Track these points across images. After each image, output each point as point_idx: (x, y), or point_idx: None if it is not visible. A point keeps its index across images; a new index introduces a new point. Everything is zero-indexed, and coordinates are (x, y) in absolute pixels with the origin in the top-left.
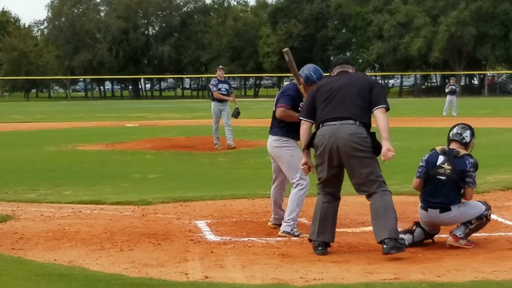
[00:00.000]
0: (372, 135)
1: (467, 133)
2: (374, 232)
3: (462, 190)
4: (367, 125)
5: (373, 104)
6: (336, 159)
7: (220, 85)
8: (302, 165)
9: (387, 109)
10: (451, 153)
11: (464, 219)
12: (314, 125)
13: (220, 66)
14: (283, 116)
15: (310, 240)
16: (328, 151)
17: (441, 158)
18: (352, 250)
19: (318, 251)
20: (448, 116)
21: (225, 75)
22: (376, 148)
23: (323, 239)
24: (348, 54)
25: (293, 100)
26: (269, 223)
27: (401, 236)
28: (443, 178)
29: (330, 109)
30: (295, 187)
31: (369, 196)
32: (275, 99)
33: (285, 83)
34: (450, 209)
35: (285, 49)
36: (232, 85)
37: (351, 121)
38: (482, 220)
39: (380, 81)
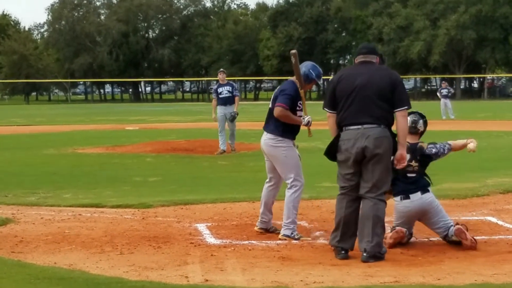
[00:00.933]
0: (394, 137)
1: (420, 123)
2: (359, 236)
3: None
4: (390, 125)
5: (396, 105)
6: (359, 162)
7: (220, 89)
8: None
9: (409, 108)
10: (416, 150)
11: (440, 212)
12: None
13: (221, 69)
14: (281, 116)
15: (331, 245)
16: (354, 156)
17: (407, 156)
18: (353, 253)
19: (341, 255)
20: (447, 120)
21: (227, 78)
22: (394, 150)
23: (344, 245)
24: (348, 57)
25: (292, 100)
26: (256, 228)
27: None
28: (414, 175)
29: (353, 112)
30: (289, 188)
31: (363, 198)
32: (272, 95)
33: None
34: (428, 191)
35: (293, 51)
36: (236, 88)
37: (375, 125)
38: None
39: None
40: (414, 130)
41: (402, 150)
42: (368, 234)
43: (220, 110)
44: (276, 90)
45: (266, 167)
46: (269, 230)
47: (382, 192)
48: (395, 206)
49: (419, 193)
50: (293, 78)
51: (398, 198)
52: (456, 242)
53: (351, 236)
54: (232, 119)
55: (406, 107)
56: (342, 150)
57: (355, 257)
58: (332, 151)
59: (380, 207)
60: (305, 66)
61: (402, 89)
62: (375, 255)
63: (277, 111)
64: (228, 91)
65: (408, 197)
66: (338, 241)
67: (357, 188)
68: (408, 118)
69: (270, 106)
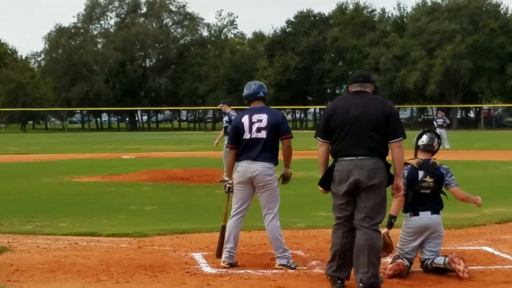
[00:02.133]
0: (388, 168)
1: (435, 142)
2: (354, 267)
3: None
4: (384, 155)
5: (391, 136)
6: (353, 192)
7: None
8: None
9: (404, 138)
10: (429, 166)
11: (440, 238)
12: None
13: (223, 101)
14: (290, 146)
15: (327, 275)
16: (347, 187)
17: (421, 173)
18: (348, 283)
19: (337, 284)
20: (442, 149)
21: (228, 108)
22: (389, 181)
23: (341, 275)
24: (345, 87)
25: None
26: (223, 263)
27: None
28: (428, 191)
29: (347, 144)
30: (272, 218)
31: (357, 228)
32: (264, 125)
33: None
34: (439, 213)
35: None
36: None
37: (369, 157)
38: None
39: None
40: (430, 148)
41: (398, 180)
42: (363, 264)
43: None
44: (261, 119)
45: (239, 198)
46: (233, 265)
47: (376, 222)
48: (403, 223)
49: (429, 212)
50: (260, 104)
51: (407, 214)
52: (435, 270)
53: (347, 265)
54: None
55: (401, 138)
56: (336, 181)
57: (351, 287)
58: (326, 181)
59: (375, 237)
60: (259, 87)
61: (396, 120)
62: (371, 285)
63: (290, 142)
64: (226, 121)
65: (417, 214)
66: (334, 270)
67: (352, 218)
68: (425, 136)
69: (263, 136)
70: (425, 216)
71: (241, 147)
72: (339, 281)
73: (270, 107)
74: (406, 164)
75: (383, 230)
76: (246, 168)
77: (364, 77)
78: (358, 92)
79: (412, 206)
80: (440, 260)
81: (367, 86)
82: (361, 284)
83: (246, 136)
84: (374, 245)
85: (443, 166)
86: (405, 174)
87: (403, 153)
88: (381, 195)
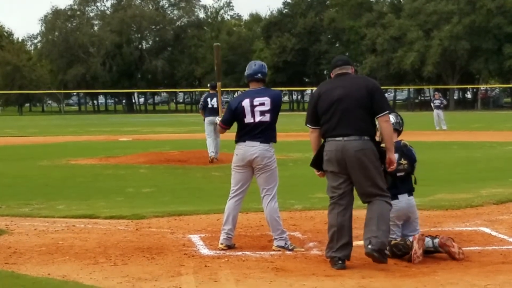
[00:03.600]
0: (378, 145)
1: (400, 121)
2: (364, 234)
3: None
4: (371, 135)
5: (376, 111)
6: (344, 171)
7: (209, 99)
8: (318, 173)
9: (390, 112)
10: (401, 147)
11: (417, 219)
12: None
13: (212, 82)
14: None
15: (328, 257)
16: (337, 165)
17: (396, 156)
18: (346, 264)
19: (338, 265)
20: (440, 130)
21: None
22: (382, 157)
23: (341, 255)
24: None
25: None
26: (221, 245)
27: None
28: (402, 174)
29: (333, 125)
30: (271, 200)
31: (368, 203)
32: (267, 108)
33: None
34: (412, 194)
35: (216, 44)
36: (224, 99)
37: (356, 137)
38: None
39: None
40: (398, 127)
41: (390, 154)
42: (373, 230)
43: (209, 120)
44: (263, 102)
45: (239, 180)
46: (231, 247)
47: (384, 193)
48: None
49: (406, 194)
50: (260, 85)
51: None
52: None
53: (346, 245)
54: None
55: (387, 112)
56: (326, 161)
57: (349, 267)
58: (317, 162)
59: (385, 207)
60: (259, 67)
61: (380, 96)
62: (380, 249)
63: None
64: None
65: (396, 197)
66: (334, 251)
67: (346, 197)
68: (391, 116)
69: (267, 119)
70: (403, 199)
71: (244, 131)
72: (340, 262)
73: (264, 88)
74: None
75: None
76: (245, 151)
77: (343, 61)
78: (340, 74)
79: (391, 191)
80: (428, 242)
81: (348, 69)
82: (369, 246)
83: (249, 120)
84: (384, 214)
85: (413, 150)
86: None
87: (392, 126)
88: (374, 170)
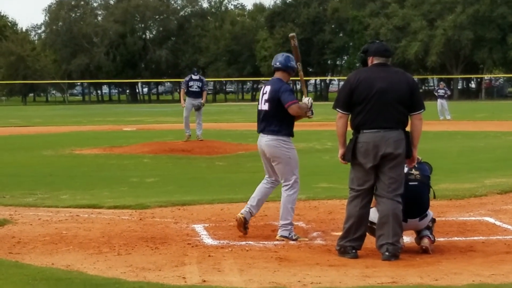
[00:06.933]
0: (408, 139)
1: None
2: (378, 235)
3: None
4: (405, 127)
5: (413, 108)
6: (376, 164)
7: (191, 83)
8: (341, 157)
9: (424, 110)
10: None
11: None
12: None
13: (194, 68)
14: (297, 111)
15: (340, 246)
16: (372, 158)
17: (405, 167)
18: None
19: (352, 254)
20: (444, 120)
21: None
22: (408, 152)
23: (356, 244)
24: (345, 58)
25: (293, 94)
26: (239, 214)
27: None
28: (416, 183)
29: (372, 116)
30: (288, 189)
31: (380, 198)
32: (266, 97)
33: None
34: (427, 215)
35: (292, 34)
36: (206, 83)
37: (393, 129)
38: (435, 222)
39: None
40: None
41: (415, 151)
42: (388, 234)
43: (189, 101)
44: (269, 91)
45: (265, 169)
46: (246, 224)
47: (398, 193)
48: None
49: (417, 219)
50: (277, 75)
51: None
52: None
53: (362, 236)
54: (198, 108)
55: (422, 110)
56: (362, 152)
57: (364, 256)
58: (349, 153)
59: (398, 207)
60: (283, 59)
61: (418, 93)
62: (395, 255)
63: (294, 108)
64: (198, 86)
65: (405, 221)
66: (349, 240)
67: (371, 191)
68: None
69: (266, 108)
70: (412, 224)
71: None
72: (353, 251)
73: (276, 78)
74: None
75: None
76: (258, 140)
77: (388, 51)
78: (381, 64)
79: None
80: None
81: (389, 60)
82: (387, 253)
83: (258, 107)
84: (398, 214)
85: (425, 164)
86: None
87: (422, 125)
88: (403, 166)
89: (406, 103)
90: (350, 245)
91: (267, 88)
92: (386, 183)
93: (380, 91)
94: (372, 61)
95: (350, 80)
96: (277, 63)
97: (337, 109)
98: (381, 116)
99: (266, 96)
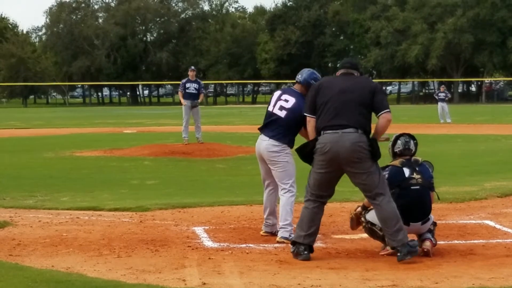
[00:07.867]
0: (374, 141)
1: (411, 145)
2: (387, 239)
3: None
4: (367, 132)
5: (377, 110)
6: (336, 165)
7: (188, 85)
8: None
9: (389, 111)
10: (412, 163)
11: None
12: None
13: (192, 67)
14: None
15: (293, 244)
16: (329, 158)
17: (406, 171)
18: (350, 257)
19: (304, 255)
20: (444, 123)
21: (196, 76)
22: (378, 153)
23: (309, 242)
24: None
25: None
26: (261, 232)
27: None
28: (418, 187)
29: (331, 116)
30: (285, 193)
31: (373, 204)
32: (288, 106)
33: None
34: (429, 219)
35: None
36: (203, 86)
37: (352, 130)
38: (436, 225)
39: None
40: (407, 152)
41: (377, 136)
42: (396, 239)
43: (187, 103)
44: (287, 99)
45: (261, 173)
46: (274, 234)
47: (382, 192)
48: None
49: (419, 223)
50: (296, 88)
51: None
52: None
53: (315, 234)
54: (195, 105)
55: (388, 110)
56: (319, 152)
57: (353, 258)
58: (304, 151)
59: (390, 206)
60: (306, 74)
61: (382, 95)
62: (410, 252)
63: (312, 123)
64: (195, 88)
65: (408, 224)
66: (303, 238)
67: (325, 189)
68: (399, 141)
69: (281, 115)
70: (415, 227)
71: (264, 120)
72: (305, 252)
73: (300, 93)
74: (386, 166)
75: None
76: (257, 143)
77: (351, 64)
78: (345, 73)
79: (401, 211)
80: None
81: (354, 72)
82: (400, 255)
83: (269, 108)
84: (396, 215)
85: (428, 165)
86: (387, 175)
87: (388, 125)
88: (370, 168)
89: (367, 105)
90: (303, 243)
91: (290, 99)
92: (365, 187)
93: (341, 91)
94: (338, 73)
95: (314, 85)
96: (296, 79)
97: (306, 114)
98: (341, 116)
99: (287, 105)
